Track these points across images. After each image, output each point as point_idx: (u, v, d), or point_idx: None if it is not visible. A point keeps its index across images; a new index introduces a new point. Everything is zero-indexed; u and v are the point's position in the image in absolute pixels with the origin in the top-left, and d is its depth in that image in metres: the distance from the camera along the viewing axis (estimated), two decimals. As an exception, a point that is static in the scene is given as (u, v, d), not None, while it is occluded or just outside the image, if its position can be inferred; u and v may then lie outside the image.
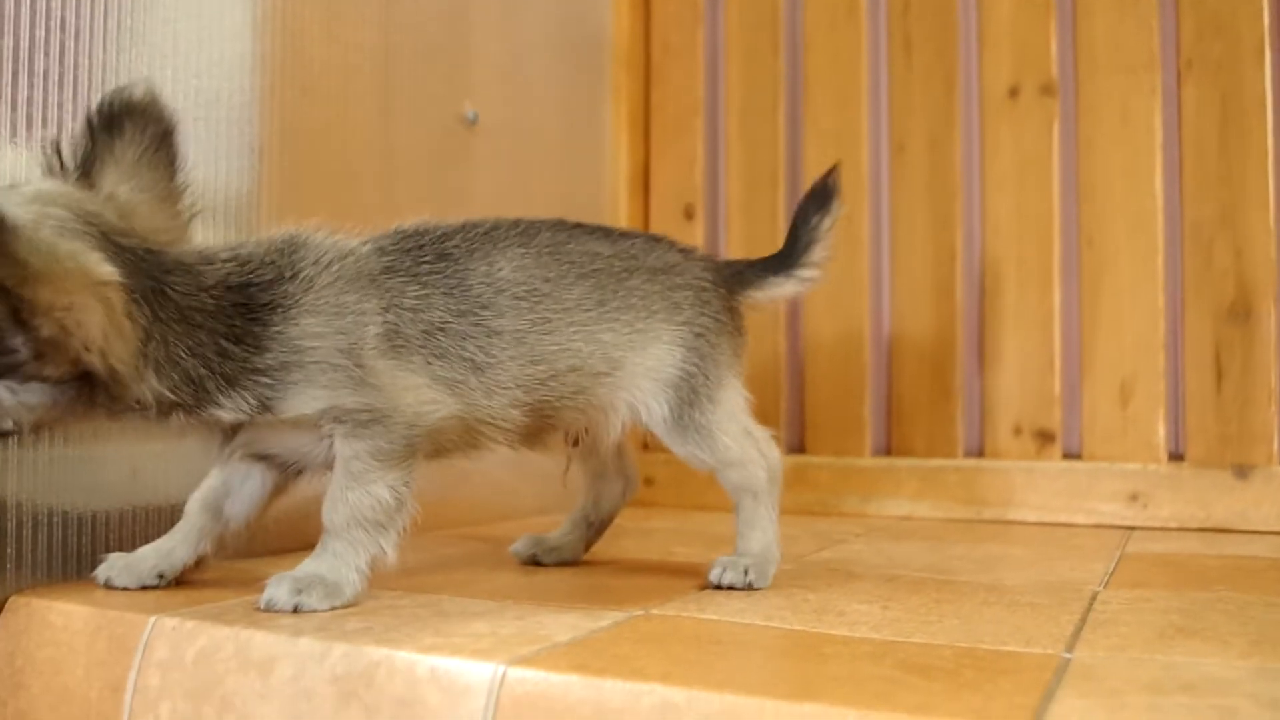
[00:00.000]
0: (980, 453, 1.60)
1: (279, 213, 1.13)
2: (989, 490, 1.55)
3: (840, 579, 1.01)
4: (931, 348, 1.62)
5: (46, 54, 0.93)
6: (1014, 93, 1.58)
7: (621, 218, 1.76)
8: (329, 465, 0.88)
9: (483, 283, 0.91)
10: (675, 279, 1.00)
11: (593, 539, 1.14)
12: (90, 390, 0.76)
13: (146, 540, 0.94)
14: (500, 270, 0.92)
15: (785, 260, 1.08)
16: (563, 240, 0.97)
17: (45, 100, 0.92)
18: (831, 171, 1.10)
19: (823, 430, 1.67)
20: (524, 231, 0.96)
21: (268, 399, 0.81)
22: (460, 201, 1.41)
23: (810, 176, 1.69)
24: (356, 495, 0.84)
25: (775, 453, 1.02)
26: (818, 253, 1.08)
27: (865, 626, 0.80)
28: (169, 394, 0.78)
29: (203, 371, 0.78)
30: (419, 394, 0.86)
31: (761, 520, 1.00)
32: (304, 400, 0.82)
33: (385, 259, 0.90)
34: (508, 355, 0.90)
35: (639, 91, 1.82)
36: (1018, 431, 1.56)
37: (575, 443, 1.05)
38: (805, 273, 1.08)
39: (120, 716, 0.77)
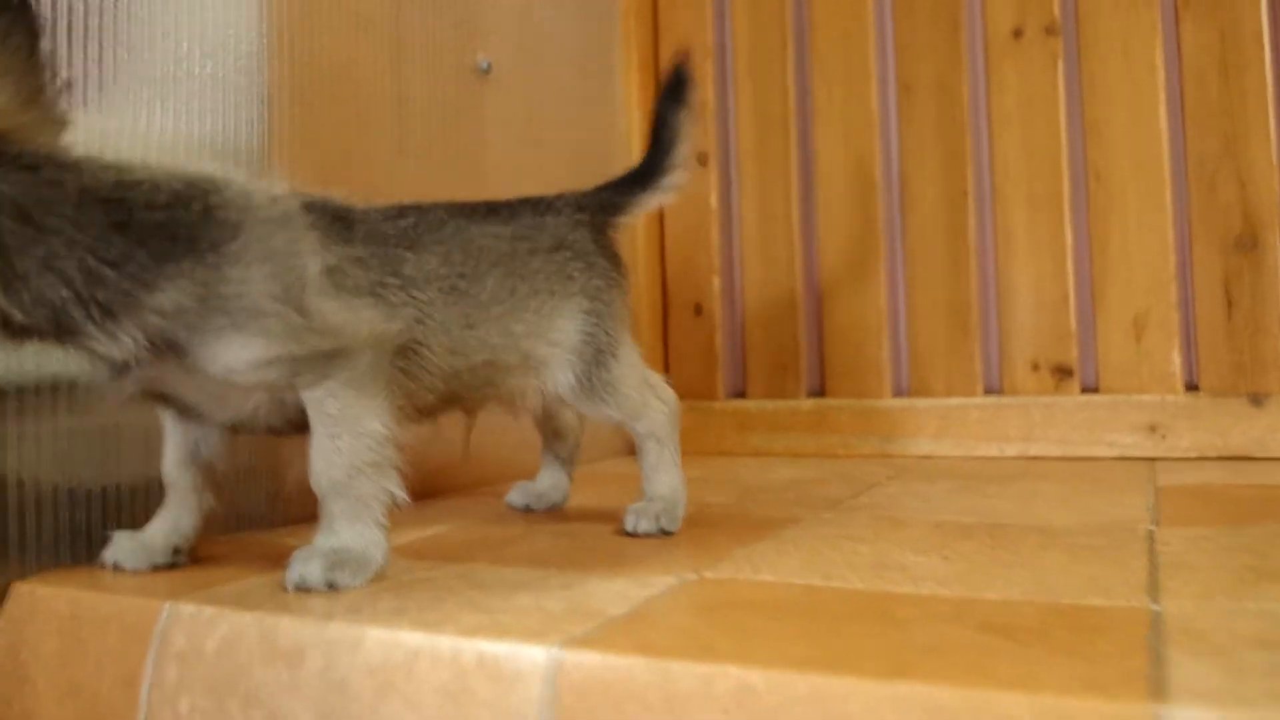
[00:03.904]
0: (999, 390, 1.48)
1: (291, 164, 1.00)
2: (1009, 427, 1.43)
3: (887, 527, 0.89)
4: (946, 287, 1.49)
5: None
6: (1018, 33, 1.45)
7: (632, 168, 1.63)
8: (252, 424, 0.75)
9: (414, 270, 0.81)
10: (566, 253, 0.91)
11: (571, 470, 1.10)
12: None
13: (164, 515, 0.81)
14: (428, 264, 0.82)
15: (652, 170, 0.97)
16: (465, 226, 0.87)
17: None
18: (681, 60, 0.97)
19: (842, 373, 1.55)
20: (435, 225, 0.85)
21: (176, 343, 0.66)
22: (474, 151, 1.28)
23: (820, 119, 1.57)
24: (347, 440, 0.71)
25: (671, 395, 0.97)
26: (681, 153, 0.97)
27: (931, 582, 0.69)
28: (17, 314, 0.62)
29: (63, 293, 0.62)
30: (373, 320, 0.74)
31: (666, 463, 0.95)
32: (231, 348, 0.67)
33: (313, 217, 0.75)
34: (435, 340, 0.81)
35: (648, 38, 1.68)
36: (1035, 368, 1.44)
37: (472, 413, 0.95)
38: (672, 178, 0.97)
39: (135, 713, 0.65)
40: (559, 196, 0.95)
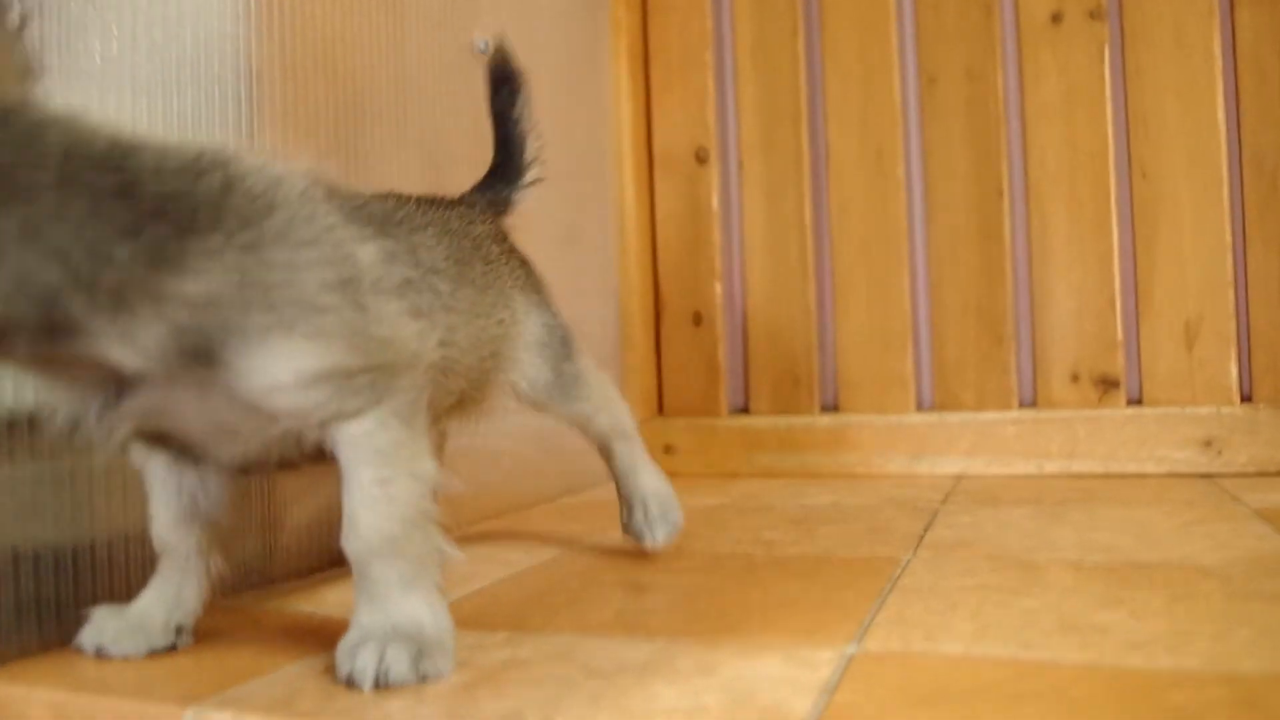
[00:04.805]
0: (1033, 403, 1.35)
1: (282, 146, 0.83)
2: (1050, 443, 1.31)
3: (1021, 572, 0.75)
4: (977, 292, 1.37)
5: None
6: (1057, 18, 1.33)
7: (626, 166, 1.47)
8: (263, 461, 0.58)
9: (431, 259, 0.69)
10: (507, 244, 0.84)
11: None
12: None
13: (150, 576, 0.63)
14: (438, 251, 0.70)
15: (512, 169, 0.89)
16: (428, 210, 0.74)
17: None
18: (497, 51, 0.90)
19: (861, 387, 1.41)
20: (412, 209, 0.72)
21: (207, 350, 0.49)
22: (473, 133, 1.11)
23: (833, 112, 1.43)
24: (402, 485, 0.55)
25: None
26: (533, 145, 0.90)
27: (1159, 649, 0.55)
28: None
29: (57, 274, 0.45)
30: (418, 332, 0.59)
31: (644, 460, 0.89)
32: (277, 357, 0.50)
33: (335, 204, 0.59)
34: (460, 336, 0.69)
35: (637, 24, 1.52)
36: (1075, 379, 1.33)
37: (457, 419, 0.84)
38: (533, 173, 0.90)
39: None
40: (463, 199, 0.85)
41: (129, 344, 0.47)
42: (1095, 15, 1.31)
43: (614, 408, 0.87)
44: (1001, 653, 0.55)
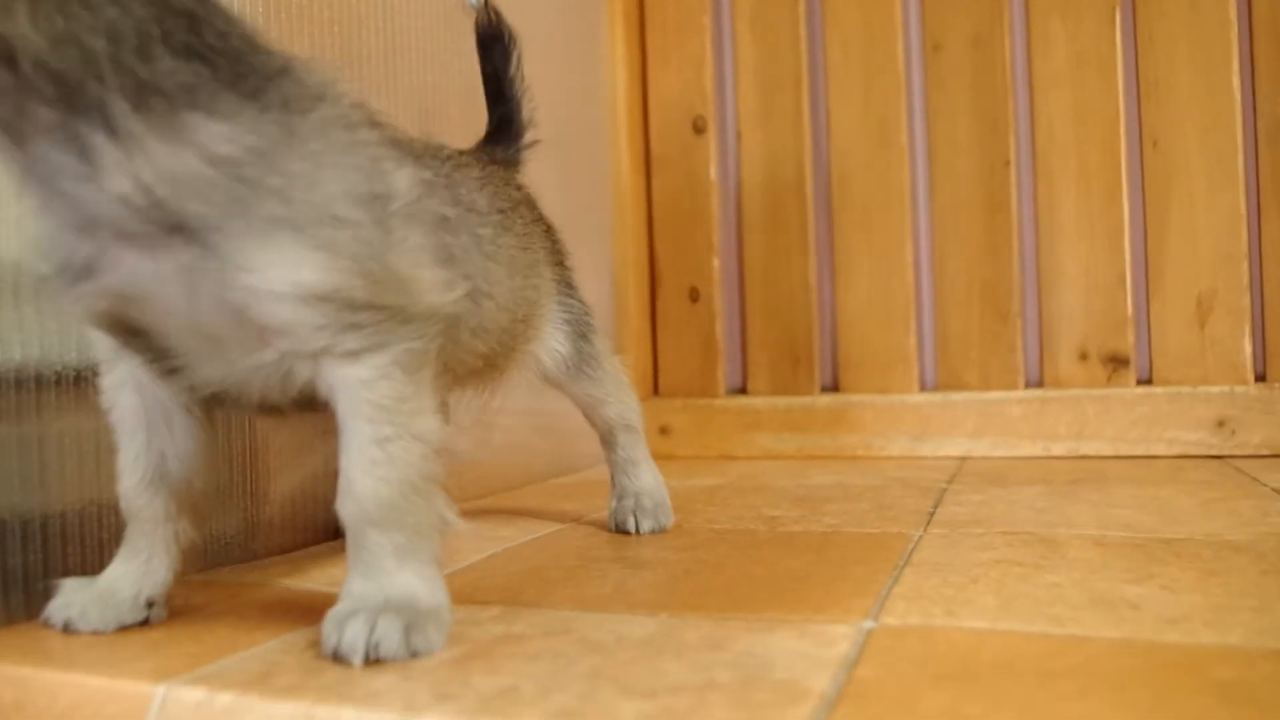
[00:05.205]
0: (1039, 382, 1.33)
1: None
2: (1057, 423, 1.28)
3: (1041, 548, 0.72)
4: (982, 268, 1.34)
5: None
6: (1065, -20, 1.30)
7: (621, 136, 1.44)
8: (243, 395, 0.54)
9: (474, 199, 0.67)
10: (535, 208, 0.82)
11: None
12: None
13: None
14: (482, 193, 0.69)
15: (513, 128, 0.87)
16: (468, 155, 0.74)
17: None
18: (486, 8, 0.88)
19: (862, 366, 1.38)
20: (451, 151, 0.72)
21: (196, 215, 0.46)
22: (464, 89, 1.07)
23: (834, 81, 1.40)
24: (402, 445, 0.51)
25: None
26: (529, 105, 0.89)
27: (1198, 624, 0.52)
28: (39, 39, 0.43)
29: (101, 44, 0.44)
30: (444, 281, 0.55)
31: (644, 455, 0.89)
32: (277, 258, 0.47)
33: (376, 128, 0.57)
34: (496, 289, 0.67)
35: (633, -13, 1.48)
36: (1083, 357, 1.30)
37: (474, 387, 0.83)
38: (532, 133, 0.88)
39: None
40: (486, 152, 0.82)
41: (128, 163, 0.45)
42: (1106, -21, 1.28)
43: (624, 396, 0.87)
44: (1029, 628, 0.52)
